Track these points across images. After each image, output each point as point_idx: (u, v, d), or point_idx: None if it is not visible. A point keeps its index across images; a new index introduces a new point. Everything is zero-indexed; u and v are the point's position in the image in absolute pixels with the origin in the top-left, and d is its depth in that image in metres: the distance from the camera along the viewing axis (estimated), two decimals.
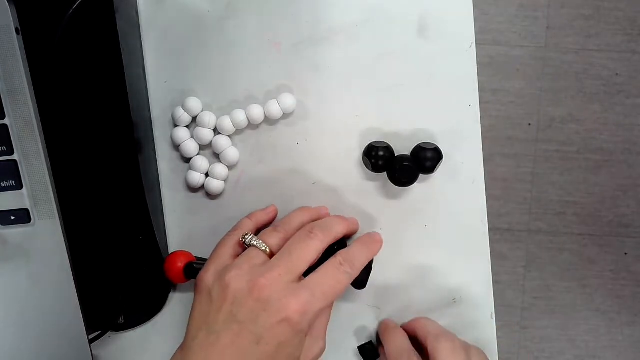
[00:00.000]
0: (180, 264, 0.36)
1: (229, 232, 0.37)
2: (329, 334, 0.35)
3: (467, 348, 0.36)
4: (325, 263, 0.33)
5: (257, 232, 0.37)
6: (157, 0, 0.38)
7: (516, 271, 1.15)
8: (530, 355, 1.18)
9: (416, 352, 0.36)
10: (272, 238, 0.34)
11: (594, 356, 1.19)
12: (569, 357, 1.19)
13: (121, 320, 0.38)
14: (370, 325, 0.40)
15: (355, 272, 0.34)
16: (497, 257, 1.15)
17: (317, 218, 0.37)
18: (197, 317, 0.32)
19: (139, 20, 0.38)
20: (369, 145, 0.38)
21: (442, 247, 0.39)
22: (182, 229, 0.39)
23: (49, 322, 0.32)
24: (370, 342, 0.40)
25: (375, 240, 0.37)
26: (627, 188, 1.17)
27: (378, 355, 0.39)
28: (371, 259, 0.36)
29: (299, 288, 0.31)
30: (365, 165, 0.38)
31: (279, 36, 0.38)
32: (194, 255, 0.37)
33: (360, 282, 0.36)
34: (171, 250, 0.39)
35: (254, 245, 0.34)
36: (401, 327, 0.39)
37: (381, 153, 0.37)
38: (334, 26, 0.38)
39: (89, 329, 0.33)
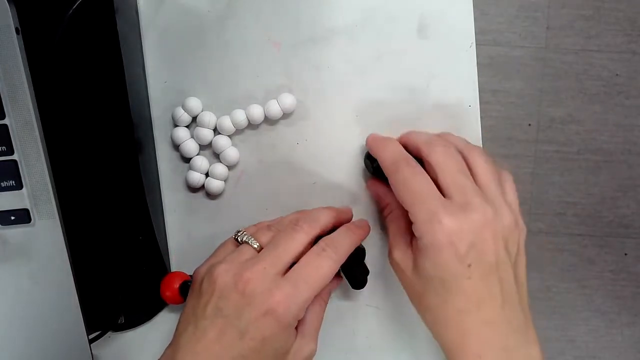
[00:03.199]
0: (176, 284, 0.36)
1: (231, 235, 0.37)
2: (327, 333, 0.35)
3: (465, 148, 0.34)
4: (308, 252, 0.33)
5: None
6: (157, 0, 0.38)
7: None
8: None
9: (412, 158, 0.34)
10: (264, 235, 0.34)
11: (594, 357, 1.19)
12: (568, 357, 1.19)
13: (121, 320, 0.38)
14: (370, 325, 0.40)
15: (340, 257, 0.33)
16: None
17: None
18: (187, 311, 0.32)
19: (139, 20, 0.38)
20: None
21: None
22: (182, 229, 0.39)
23: (49, 322, 0.32)
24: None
25: (359, 226, 0.36)
26: (627, 188, 1.17)
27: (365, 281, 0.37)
28: (357, 243, 0.35)
29: (282, 280, 0.31)
30: (367, 168, 0.38)
31: (279, 36, 0.38)
32: (188, 274, 0.37)
33: (358, 282, 0.36)
34: (171, 251, 0.39)
35: (245, 242, 0.34)
36: None
37: None
38: (334, 26, 0.39)
39: (89, 329, 0.33)
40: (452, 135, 0.36)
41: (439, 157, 0.33)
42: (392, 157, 0.34)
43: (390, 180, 0.33)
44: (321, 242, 0.33)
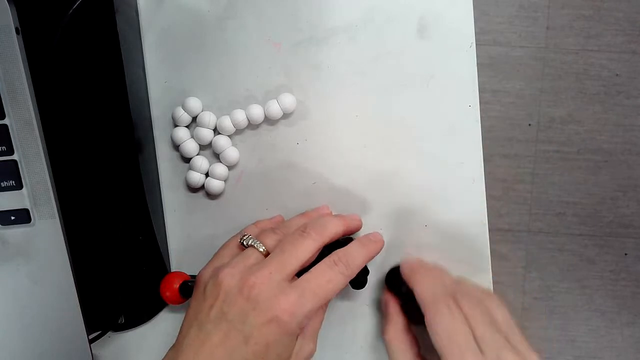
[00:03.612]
0: (176, 285, 0.36)
1: (233, 235, 0.37)
2: (327, 333, 0.35)
3: (483, 295, 0.35)
4: (320, 262, 0.33)
5: None
6: (157, 0, 0.38)
7: (516, 272, 1.15)
8: None
9: (452, 299, 0.34)
10: (270, 239, 0.34)
11: (594, 357, 1.19)
12: (568, 357, 1.19)
13: (121, 320, 0.38)
14: (369, 324, 0.40)
15: (351, 273, 0.33)
16: (497, 257, 1.15)
17: None
18: (190, 313, 0.32)
19: (139, 20, 0.38)
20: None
21: (442, 247, 0.39)
22: (182, 229, 0.39)
23: (49, 322, 0.32)
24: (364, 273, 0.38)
25: (374, 240, 0.36)
26: (627, 188, 1.17)
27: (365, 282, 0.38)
28: (370, 259, 0.35)
29: (289, 287, 0.31)
30: (389, 286, 0.38)
31: (279, 36, 0.39)
32: (188, 274, 0.37)
33: (358, 282, 0.36)
34: (171, 251, 0.39)
35: (251, 246, 0.34)
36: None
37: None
38: (334, 26, 0.39)
39: (89, 329, 0.33)
40: (470, 285, 0.37)
41: (467, 310, 0.33)
42: (432, 296, 0.34)
43: (427, 318, 0.34)
44: (334, 255, 0.33)
